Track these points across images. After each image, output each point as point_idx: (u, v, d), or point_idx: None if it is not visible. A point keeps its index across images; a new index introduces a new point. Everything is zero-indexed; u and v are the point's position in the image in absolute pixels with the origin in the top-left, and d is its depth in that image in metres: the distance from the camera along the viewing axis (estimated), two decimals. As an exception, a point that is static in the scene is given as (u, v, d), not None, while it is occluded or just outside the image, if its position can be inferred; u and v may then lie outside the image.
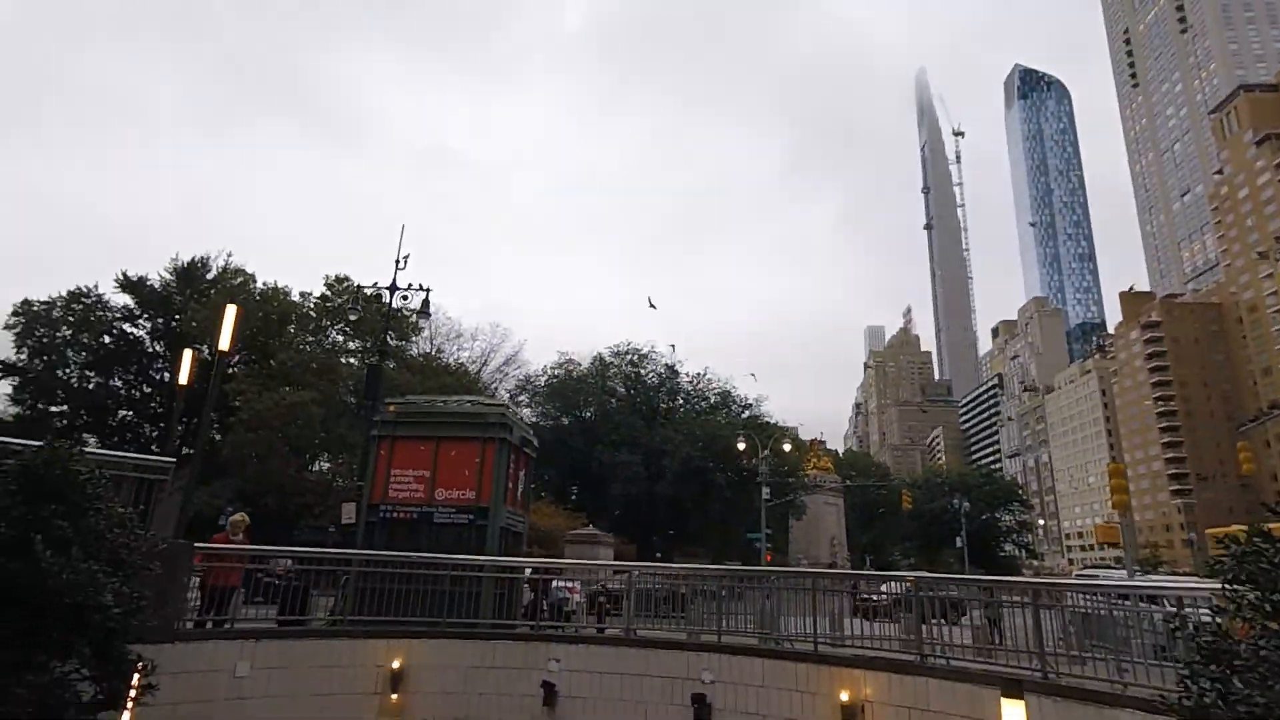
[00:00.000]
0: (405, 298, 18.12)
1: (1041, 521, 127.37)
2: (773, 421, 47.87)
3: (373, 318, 28.42)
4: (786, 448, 42.60)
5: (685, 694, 8.48)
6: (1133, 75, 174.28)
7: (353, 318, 18.63)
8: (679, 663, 8.72)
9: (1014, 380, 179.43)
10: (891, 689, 7.58)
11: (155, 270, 37.72)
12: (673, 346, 47.42)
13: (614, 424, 40.96)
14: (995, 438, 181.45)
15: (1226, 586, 3.92)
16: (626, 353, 47.86)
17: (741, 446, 34.59)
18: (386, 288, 17.87)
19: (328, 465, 30.96)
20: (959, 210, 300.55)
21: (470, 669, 8.98)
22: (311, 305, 37.22)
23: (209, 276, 38.31)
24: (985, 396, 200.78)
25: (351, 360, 33.09)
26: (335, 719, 8.47)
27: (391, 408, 14.15)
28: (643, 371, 47.58)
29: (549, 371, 45.15)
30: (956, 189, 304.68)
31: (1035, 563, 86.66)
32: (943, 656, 7.71)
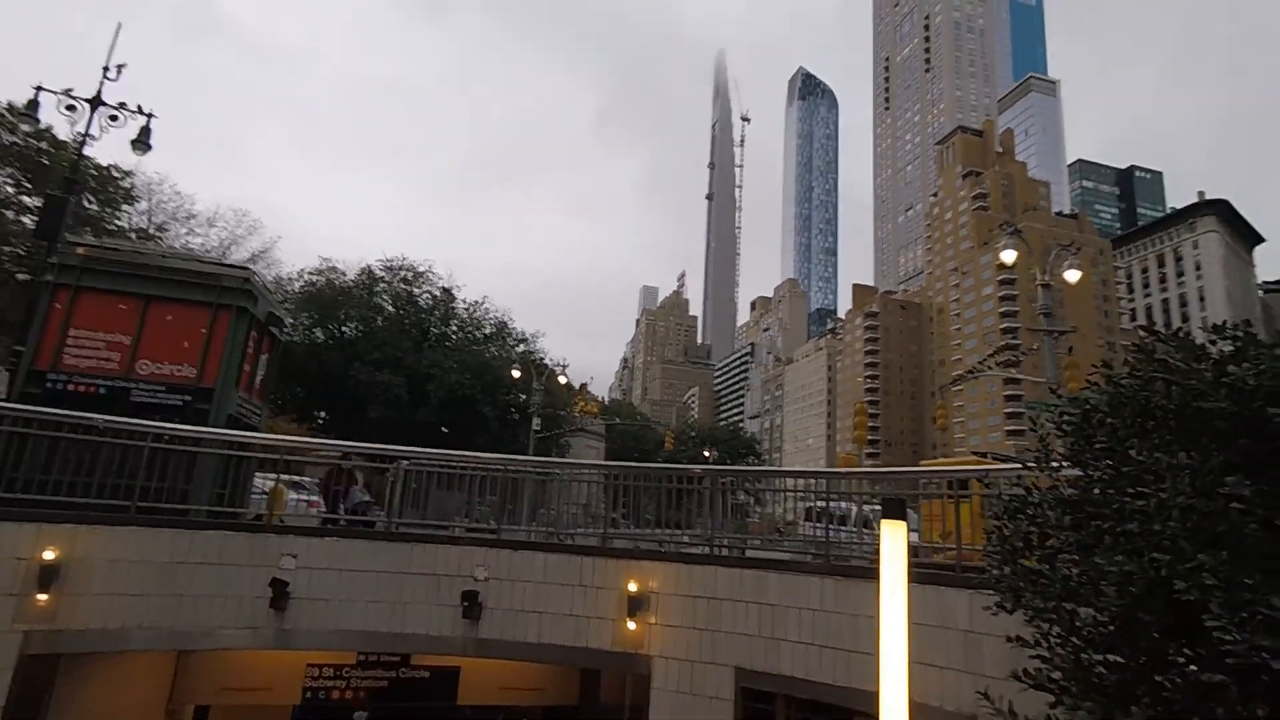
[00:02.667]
0: (114, 117, 14.03)
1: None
2: (546, 360, 47.85)
3: (60, 159, 21.86)
4: (563, 380, 42.87)
5: (455, 592, 7.73)
6: (887, 98, 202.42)
7: (25, 128, 13.39)
8: (448, 559, 7.89)
9: (763, 350, 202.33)
10: (679, 579, 7.59)
11: None
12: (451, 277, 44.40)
13: (378, 342, 37.56)
14: (742, 400, 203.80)
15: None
16: (400, 268, 43.93)
17: (516, 374, 33.86)
18: (87, 100, 13.69)
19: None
20: (737, 190, 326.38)
21: (172, 564, 7.23)
22: None
23: None
24: (738, 362, 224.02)
25: (23, 219, 25.25)
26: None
27: (81, 249, 10.88)
28: (416, 291, 44.00)
29: (305, 276, 39.71)
30: (738, 170, 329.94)
31: (759, 509, 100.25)
32: (731, 547, 7.96)
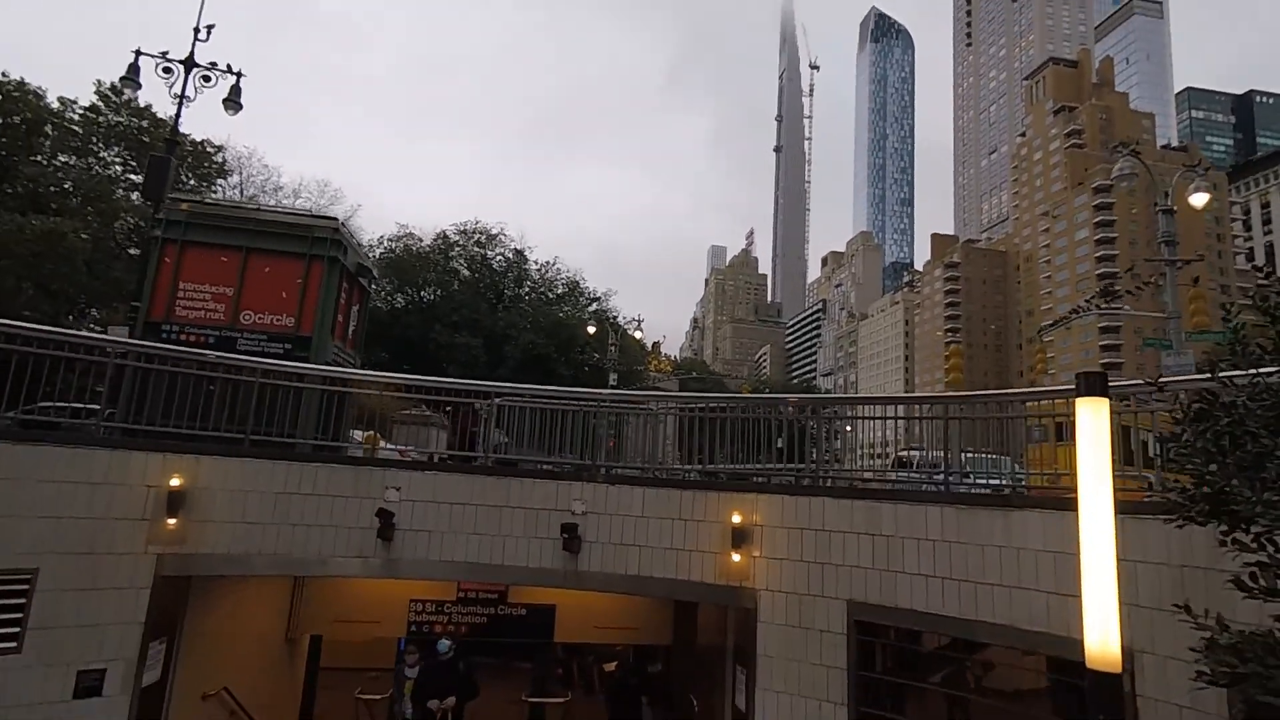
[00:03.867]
0: (207, 78, 14.46)
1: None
2: (619, 318, 47.83)
3: (159, 136, 22.89)
4: (638, 335, 42.86)
5: (554, 526, 7.70)
6: (969, 34, 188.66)
7: (127, 93, 14.12)
8: (546, 493, 7.83)
9: (835, 306, 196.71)
10: (785, 512, 7.27)
11: None
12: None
13: (455, 305, 38.46)
14: (814, 357, 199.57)
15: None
16: (474, 232, 44.60)
17: (592, 330, 33.98)
18: (180, 61, 14.14)
19: (99, 317, 25.51)
20: (806, 143, 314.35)
21: (284, 495, 7.49)
22: (76, 116, 29.27)
23: None
24: (810, 319, 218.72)
25: (133, 195, 26.76)
26: (86, 548, 6.68)
27: (185, 205, 11.36)
28: (489, 254, 44.70)
29: (385, 243, 40.88)
30: (806, 121, 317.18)
31: (836, 464, 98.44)
32: (840, 478, 7.59)
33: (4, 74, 26.89)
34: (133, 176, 27.27)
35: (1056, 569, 5.58)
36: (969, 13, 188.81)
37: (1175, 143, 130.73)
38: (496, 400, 8.46)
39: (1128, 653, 4.86)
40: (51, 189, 25.30)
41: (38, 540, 6.48)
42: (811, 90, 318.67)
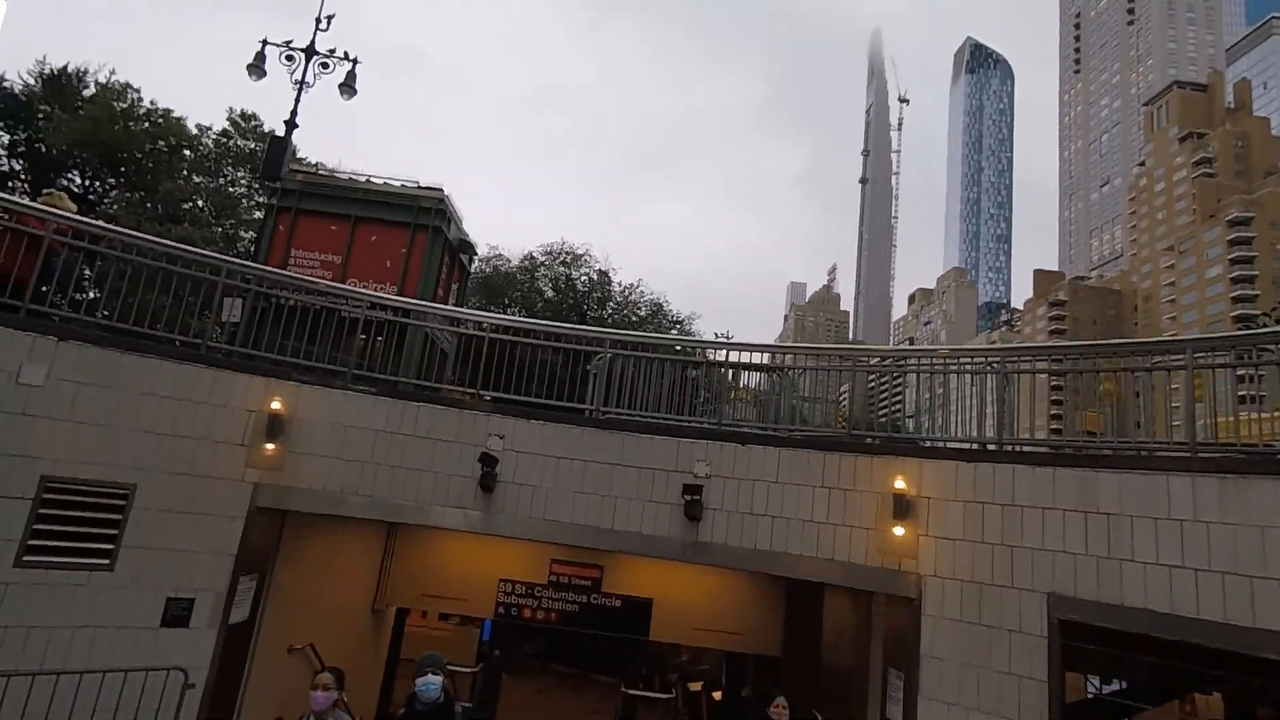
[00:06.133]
0: (325, 65, 14.84)
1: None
2: (702, 342, 46.60)
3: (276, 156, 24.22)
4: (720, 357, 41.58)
5: (672, 489, 6.70)
6: (1076, 61, 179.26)
7: (253, 79, 14.89)
8: (666, 452, 6.86)
9: (924, 344, 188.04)
10: (959, 481, 5.99)
11: (14, 71, 31.17)
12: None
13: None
14: (899, 397, 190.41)
15: None
16: (560, 253, 45.03)
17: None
18: (302, 49, 14.57)
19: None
20: (894, 177, 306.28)
21: (385, 434, 6.85)
22: (211, 141, 32.07)
23: (85, 94, 32.10)
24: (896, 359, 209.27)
25: (257, 212, 28.71)
26: (185, 468, 6.21)
27: (299, 176, 11.80)
28: (574, 274, 44.98)
29: (475, 264, 41.80)
30: (894, 156, 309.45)
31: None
32: (1028, 443, 6.25)
33: (152, 102, 29.63)
34: (258, 198, 29.21)
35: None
36: (1077, 38, 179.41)
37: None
38: (610, 351, 7.61)
39: None
40: (184, 206, 27.34)
41: (138, 456, 6.06)
42: (900, 124, 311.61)
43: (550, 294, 45.39)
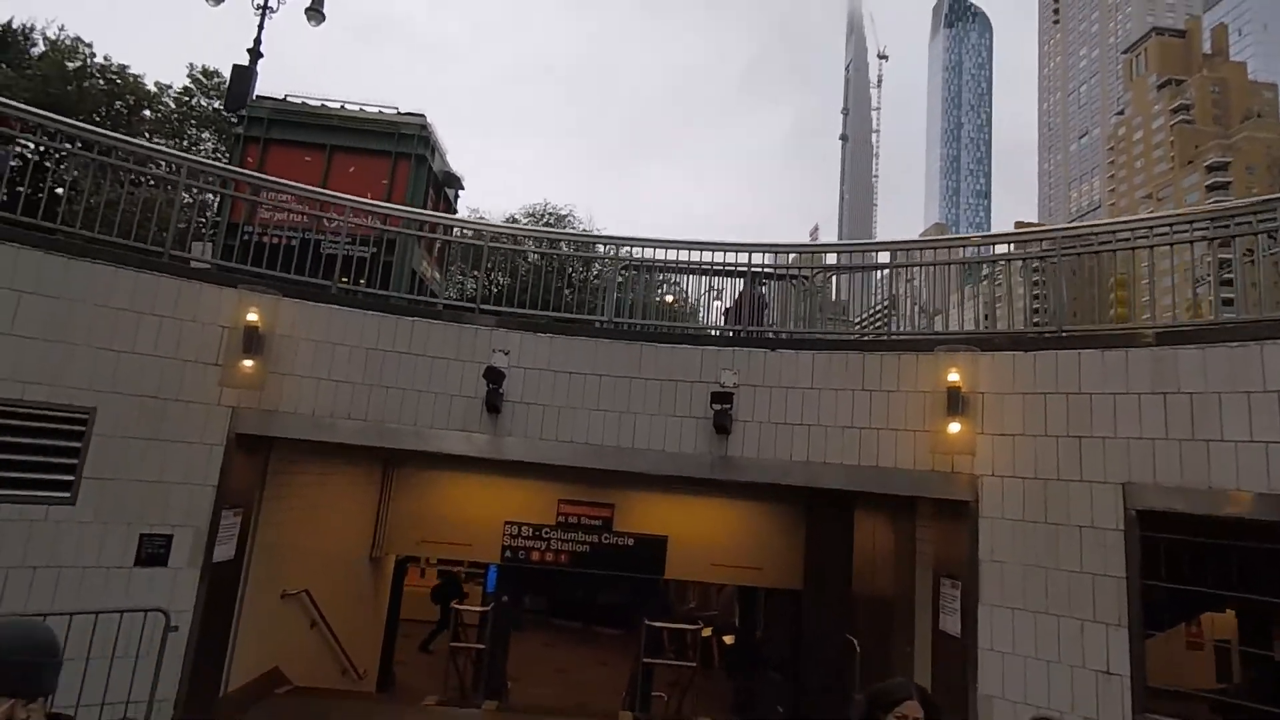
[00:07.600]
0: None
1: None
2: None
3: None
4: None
5: (696, 401, 6.10)
6: (1055, 10, 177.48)
7: (210, 4, 13.63)
8: (688, 361, 6.27)
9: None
10: (1016, 372, 5.46)
11: (-51, 27, 28.92)
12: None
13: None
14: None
15: None
16: (542, 214, 43.92)
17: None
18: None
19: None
20: (874, 135, 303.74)
21: (376, 352, 6.17)
22: (171, 100, 30.19)
23: (34, 51, 30.06)
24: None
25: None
26: (152, 391, 5.49)
27: (267, 104, 10.96)
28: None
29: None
30: (874, 113, 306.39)
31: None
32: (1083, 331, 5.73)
33: (106, 58, 27.72)
34: (224, 159, 27.67)
35: None
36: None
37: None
38: (623, 253, 6.96)
39: None
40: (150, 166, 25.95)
41: (95, 376, 5.30)
42: (880, 81, 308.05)
43: (534, 256, 44.48)
